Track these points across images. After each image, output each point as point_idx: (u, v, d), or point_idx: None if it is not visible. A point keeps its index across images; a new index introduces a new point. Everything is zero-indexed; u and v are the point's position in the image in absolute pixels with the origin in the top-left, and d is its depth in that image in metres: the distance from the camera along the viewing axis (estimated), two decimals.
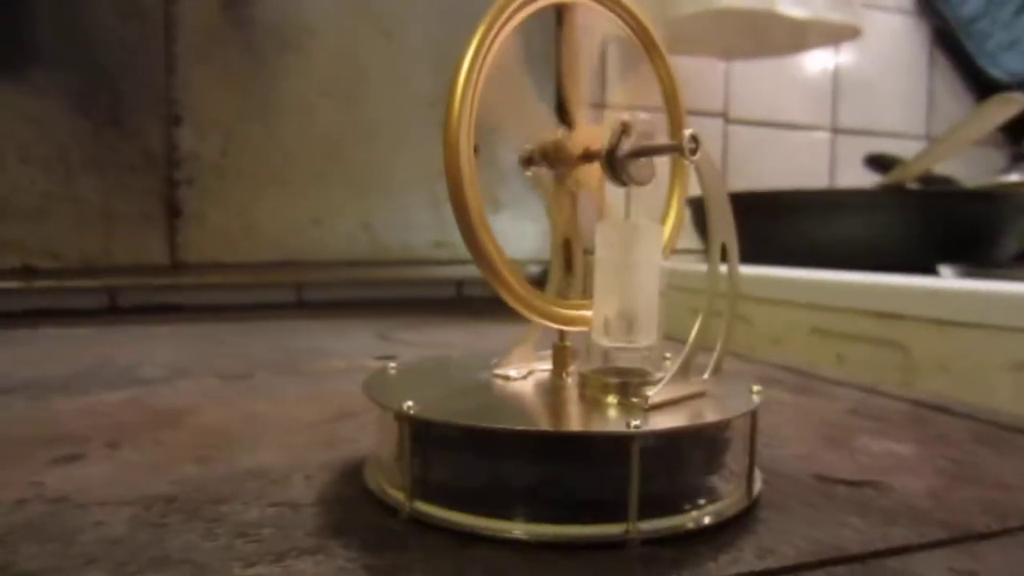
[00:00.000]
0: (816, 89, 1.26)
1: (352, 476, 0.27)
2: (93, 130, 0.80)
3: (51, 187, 0.79)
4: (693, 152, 0.23)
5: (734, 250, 0.26)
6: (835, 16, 0.97)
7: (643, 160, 0.25)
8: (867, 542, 0.22)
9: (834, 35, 1.02)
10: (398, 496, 0.23)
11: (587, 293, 0.27)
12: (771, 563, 0.20)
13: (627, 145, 0.24)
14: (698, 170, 0.24)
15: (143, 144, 0.82)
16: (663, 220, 0.30)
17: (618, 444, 0.21)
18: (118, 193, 0.82)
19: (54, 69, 0.79)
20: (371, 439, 0.32)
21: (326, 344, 0.61)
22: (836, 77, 1.28)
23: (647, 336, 0.25)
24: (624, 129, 0.25)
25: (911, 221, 0.76)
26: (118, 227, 0.82)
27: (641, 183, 0.25)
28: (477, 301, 1.02)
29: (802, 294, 0.65)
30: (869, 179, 1.02)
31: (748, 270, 0.74)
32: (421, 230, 0.97)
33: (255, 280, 0.89)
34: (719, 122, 1.16)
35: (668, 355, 0.28)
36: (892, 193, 0.80)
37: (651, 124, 0.25)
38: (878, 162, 1.01)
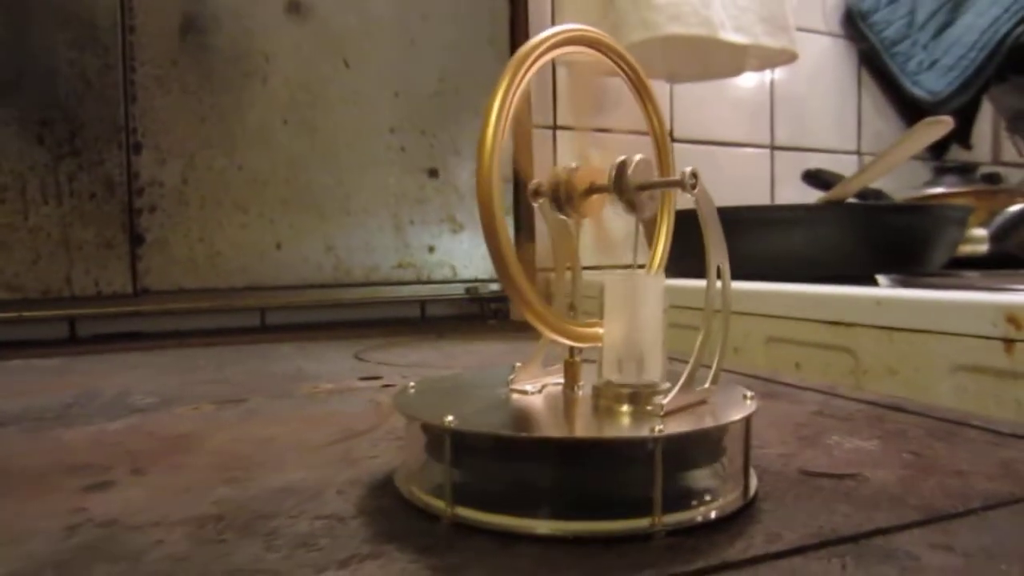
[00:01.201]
0: (755, 109, 1.33)
1: (382, 488, 0.29)
2: (51, 160, 0.80)
3: (8, 218, 0.78)
4: (693, 187, 0.26)
5: (726, 271, 0.29)
6: (773, 42, 1.04)
7: (646, 193, 0.28)
8: (857, 525, 0.25)
9: (772, 59, 1.08)
10: (438, 503, 0.25)
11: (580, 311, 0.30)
12: (780, 546, 0.23)
13: (634, 180, 0.27)
14: (697, 202, 0.27)
15: (103, 172, 0.82)
16: (653, 247, 0.33)
17: (643, 447, 0.24)
18: (78, 222, 0.81)
19: (10, 100, 0.78)
20: (390, 453, 0.34)
21: (304, 367, 0.62)
22: (773, 97, 1.36)
23: (655, 373, 0.28)
24: (627, 166, 0.28)
25: (851, 234, 0.81)
26: (79, 256, 0.81)
27: (645, 213, 0.28)
28: (440, 320, 1.04)
29: (757, 305, 0.70)
30: (806, 193, 1.08)
31: (703, 284, 0.79)
32: (384, 252, 0.98)
33: (218, 305, 0.89)
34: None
35: (670, 367, 0.30)
36: (834, 208, 0.85)
37: (648, 162, 0.28)
38: (815, 177, 1.07)
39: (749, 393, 0.29)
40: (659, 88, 1.21)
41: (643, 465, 0.24)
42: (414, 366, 0.63)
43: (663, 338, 0.28)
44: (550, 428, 0.25)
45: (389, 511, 0.26)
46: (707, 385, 0.28)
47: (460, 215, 1.03)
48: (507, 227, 0.26)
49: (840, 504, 0.27)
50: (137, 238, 0.84)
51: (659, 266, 0.33)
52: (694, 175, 0.26)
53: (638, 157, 0.28)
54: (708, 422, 0.26)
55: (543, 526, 0.24)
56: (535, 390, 0.30)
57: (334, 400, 0.48)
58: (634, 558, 0.22)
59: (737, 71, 1.06)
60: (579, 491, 0.24)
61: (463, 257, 1.03)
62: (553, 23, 1.04)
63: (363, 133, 0.96)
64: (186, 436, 0.38)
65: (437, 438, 0.26)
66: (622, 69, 0.30)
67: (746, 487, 0.28)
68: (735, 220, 0.88)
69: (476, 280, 1.04)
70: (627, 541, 0.23)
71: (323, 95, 0.93)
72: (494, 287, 1.05)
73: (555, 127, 1.09)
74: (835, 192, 0.86)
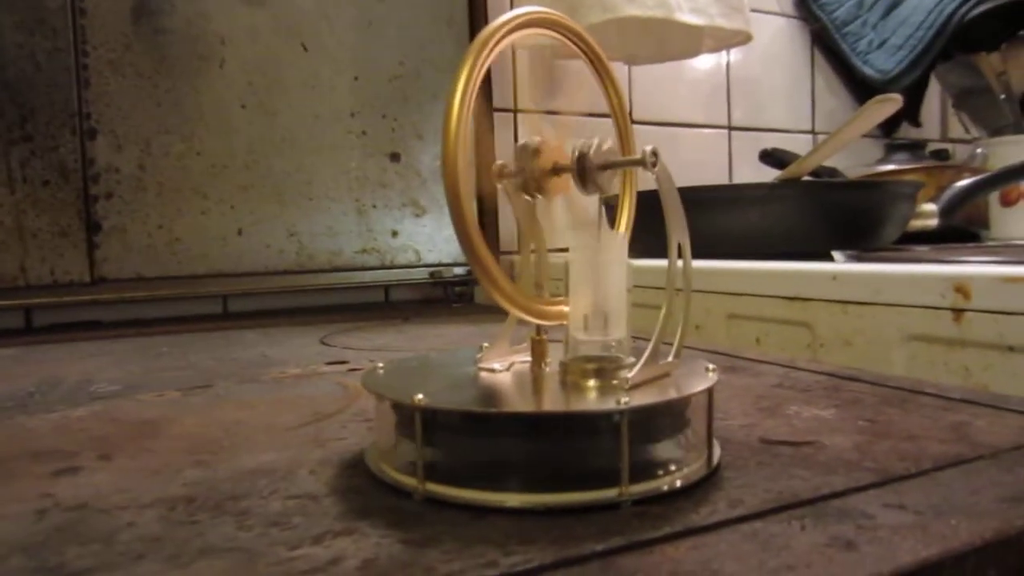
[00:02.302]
0: (712, 90, 1.35)
1: (352, 468, 0.29)
2: (2, 146, 0.77)
3: None
4: (654, 165, 0.27)
5: (687, 247, 0.29)
6: (728, 23, 1.05)
7: (608, 172, 0.28)
8: (815, 488, 0.26)
9: (727, 40, 1.10)
10: (409, 480, 0.26)
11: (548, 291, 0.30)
12: (742, 511, 0.24)
13: (597, 159, 0.27)
14: (658, 180, 0.27)
15: (57, 158, 0.80)
16: (615, 223, 0.34)
17: (610, 419, 0.24)
18: (32, 209, 0.79)
19: None
20: (360, 434, 0.34)
21: (269, 352, 0.62)
22: (729, 78, 1.37)
23: (619, 329, 0.28)
24: (589, 146, 0.28)
25: (807, 211, 0.83)
26: (33, 244, 0.79)
27: (607, 192, 0.29)
28: (404, 305, 1.04)
29: (718, 283, 0.71)
30: (764, 173, 1.10)
31: (664, 263, 0.80)
32: (347, 237, 0.98)
33: (179, 293, 0.88)
34: None
35: (634, 344, 0.31)
36: (790, 186, 0.87)
37: (607, 141, 0.29)
38: (772, 156, 1.09)
39: (711, 366, 0.30)
40: (618, 70, 1.22)
41: (610, 437, 0.25)
42: (380, 350, 0.63)
43: (627, 298, 0.29)
44: (518, 403, 0.26)
45: (361, 489, 0.27)
46: (670, 359, 0.29)
47: (423, 199, 1.03)
48: (473, 209, 0.26)
49: (799, 469, 0.28)
50: (94, 225, 0.82)
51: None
52: (654, 153, 0.27)
53: (597, 139, 0.28)
54: (672, 394, 0.27)
55: (514, 499, 0.24)
56: (503, 368, 0.30)
57: (301, 384, 0.48)
58: (603, 526, 0.23)
59: (694, 52, 1.07)
60: (548, 464, 0.25)
61: (426, 241, 1.03)
62: (512, 6, 1.03)
63: (323, 117, 0.95)
64: (152, 422, 0.38)
65: (407, 416, 0.26)
66: (582, 50, 0.30)
67: (710, 456, 0.29)
68: (696, 200, 0.90)
69: (440, 264, 1.04)
70: (596, 511, 0.24)
71: (282, 79, 0.92)
72: (458, 271, 1.05)
73: (515, 110, 1.09)
74: (791, 170, 0.88)
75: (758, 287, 0.67)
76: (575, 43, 0.30)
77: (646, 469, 0.26)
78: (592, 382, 0.28)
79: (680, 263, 0.29)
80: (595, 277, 0.28)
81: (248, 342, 0.69)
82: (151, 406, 0.42)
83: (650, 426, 0.26)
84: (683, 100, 1.31)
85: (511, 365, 0.31)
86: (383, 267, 1.01)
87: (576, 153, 0.27)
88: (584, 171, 0.27)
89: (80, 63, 0.80)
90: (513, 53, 1.03)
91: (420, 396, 0.25)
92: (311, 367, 0.54)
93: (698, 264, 0.76)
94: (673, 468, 0.27)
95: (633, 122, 1.27)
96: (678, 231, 0.29)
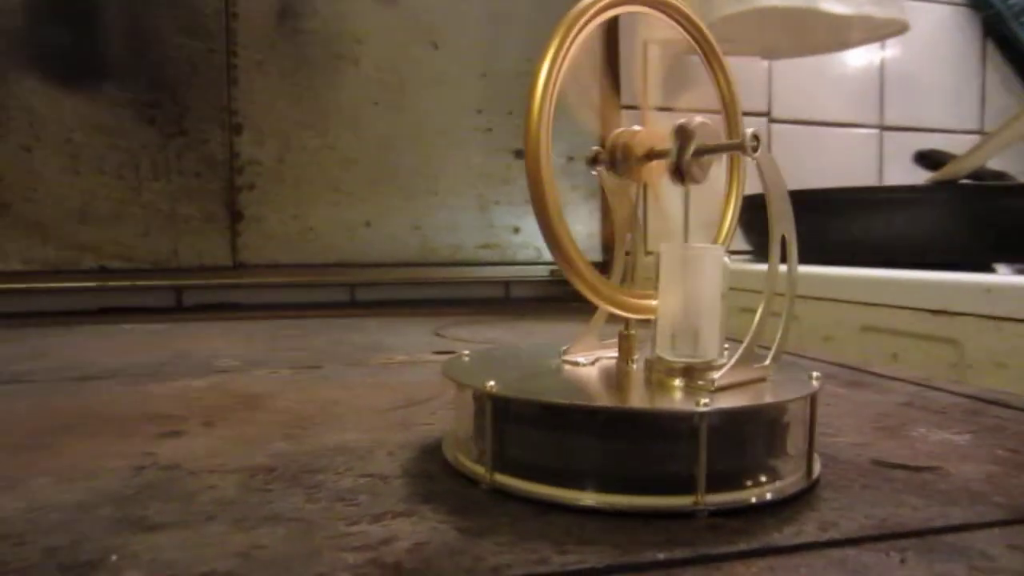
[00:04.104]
0: (862, 86, 1.25)
1: (430, 453, 0.29)
2: (161, 140, 0.85)
3: (123, 194, 0.84)
4: (755, 150, 0.25)
5: (793, 245, 0.27)
6: (880, 11, 0.97)
7: (703, 160, 0.26)
8: (926, 519, 0.23)
9: (879, 31, 1.01)
10: (478, 469, 0.25)
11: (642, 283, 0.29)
12: (834, 534, 0.22)
13: (692, 145, 0.26)
14: (759, 167, 0.25)
15: (207, 152, 0.86)
16: (721, 218, 0.32)
17: (687, 421, 0.23)
18: (184, 198, 0.86)
19: (125, 84, 0.83)
20: (445, 421, 0.34)
21: (384, 340, 0.64)
22: (883, 73, 1.27)
23: (711, 351, 0.26)
24: (687, 130, 0.26)
25: (964, 218, 0.75)
26: (184, 230, 0.86)
27: (698, 182, 0.27)
28: (523, 301, 1.04)
29: (851, 291, 0.66)
30: (918, 176, 1.01)
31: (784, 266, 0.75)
32: (469, 232, 0.99)
33: (310, 280, 0.93)
34: (763, 122, 1.17)
35: (727, 346, 0.29)
36: (944, 189, 0.79)
37: (709, 126, 0.27)
38: (928, 158, 1.00)
39: (815, 374, 0.27)
40: (755, 65, 1.16)
41: (688, 440, 0.23)
42: (490, 343, 0.64)
43: (722, 314, 0.27)
44: (590, 398, 0.25)
45: (432, 474, 0.27)
46: (767, 362, 0.27)
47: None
48: (557, 196, 0.25)
49: (911, 497, 0.25)
50: (237, 214, 0.89)
51: (726, 238, 0.31)
52: (755, 137, 0.25)
53: (699, 119, 0.26)
54: (761, 399, 0.25)
55: (579, 497, 0.23)
56: (587, 362, 0.29)
57: (404, 371, 0.48)
58: (671, 535, 0.21)
59: (841, 45, 1.00)
60: (620, 464, 0.24)
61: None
62: None
63: (450, 114, 0.97)
64: (258, 396, 0.40)
65: (480, 404, 0.25)
66: (685, 29, 0.29)
67: (808, 472, 0.26)
68: (834, 201, 0.84)
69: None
70: (668, 518, 0.23)
71: (412, 77, 0.94)
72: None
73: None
74: (946, 171, 0.80)
75: (898, 298, 0.61)
76: (678, 21, 0.28)
77: (730, 479, 0.24)
78: (677, 382, 0.26)
79: (783, 264, 0.27)
80: (686, 296, 0.26)
81: (367, 329, 0.72)
82: (262, 381, 0.44)
83: (736, 432, 0.24)
84: (829, 97, 1.22)
85: (597, 360, 0.30)
86: (503, 263, 1.01)
87: (673, 135, 0.26)
88: (679, 158, 0.26)
89: (230, 63, 0.86)
90: (644, 48, 1.00)
91: (492, 383, 0.24)
92: (418, 355, 0.55)
93: (830, 271, 0.71)
94: (764, 480, 0.25)
95: (772, 121, 1.21)
96: (781, 226, 0.26)
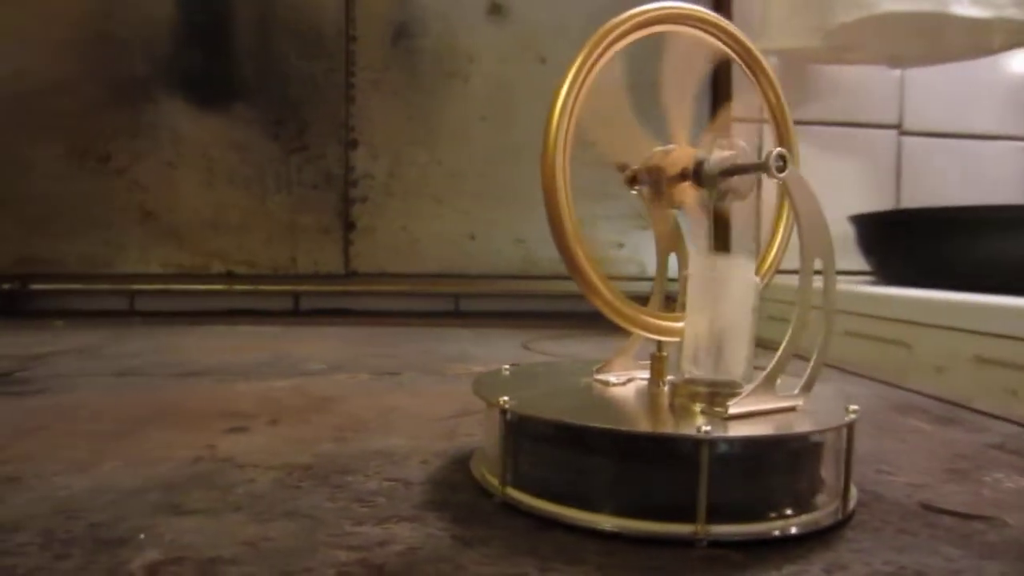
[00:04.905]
0: (1009, 95, 1.14)
1: (462, 463, 0.30)
2: (283, 154, 0.92)
3: (250, 204, 0.91)
4: (780, 170, 0.24)
5: (831, 267, 0.26)
6: (1023, 14, 0.88)
7: (739, 179, 0.26)
8: (954, 572, 0.21)
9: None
10: (493, 482, 0.26)
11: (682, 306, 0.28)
12: None
13: (716, 165, 0.25)
14: (787, 187, 0.24)
15: (324, 166, 0.92)
16: (769, 240, 0.31)
17: (690, 448, 0.22)
18: (303, 209, 0.92)
19: (253, 102, 0.91)
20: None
21: (470, 350, 0.66)
22: None
23: (734, 370, 0.25)
24: (717, 148, 0.26)
25: None
26: (303, 239, 0.92)
27: (740, 198, 0.26)
28: None
29: (968, 320, 0.60)
30: None
31: (909, 293, 0.70)
32: None
33: (416, 289, 0.97)
34: (892, 134, 1.09)
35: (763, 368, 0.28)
36: None
37: (739, 145, 0.26)
38: None
39: (854, 406, 0.26)
40: (885, 74, 1.09)
41: (692, 468, 0.22)
42: (569, 356, 0.64)
43: (750, 333, 0.26)
44: (602, 419, 0.25)
45: (455, 484, 0.28)
46: (796, 391, 0.26)
47: None
48: (573, 211, 0.25)
49: (947, 546, 0.23)
50: (350, 225, 0.94)
51: (771, 267, 0.30)
52: (781, 157, 0.24)
53: (731, 140, 0.26)
54: (778, 429, 0.24)
55: (581, 516, 0.23)
56: (619, 381, 0.29)
57: None
58: (663, 562, 0.21)
59: (981, 52, 0.92)
60: (625, 487, 0.24)
61: (652, 255, 1.01)
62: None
63: None
64: (328, 399, 0.42)
65: (496, 420, 0.26)
66: (728, 46, 0.28)
67: (843, 508, 0.25)
68: (957, 220, 0.77)
69: None
70: (666, 545, 0.22)
71: (519, 92, 0.96)
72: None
73: (760, 120, 1.03)
74: None
75: (1016, 327, 0.56)
76: (718, 38, 0.28)
77: (742, 510, 0.23)
78: (698, 406, 0.25)
79: (820, 282, 0.26)
80: (713, 307, 0.26)
81: (460, 339, 0.74)
82: (338, 385, 0.47)
83: (748, 462, 0.23)
84: (969, 108, 1.13)
85: (629, 380, 0.30)
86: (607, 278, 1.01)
87: (695, 158, 0.26)
88: (702, 177, 0.25)
89: (348, 82, 0.92)
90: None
91: (505, 399, 0.25)
92: (494, 367, 0.56)
93: (943, 296, 0.65)
94: (783, 514, 0.24)
95: (903, 133, 1.13)
96: (817, 248, 0.25)
